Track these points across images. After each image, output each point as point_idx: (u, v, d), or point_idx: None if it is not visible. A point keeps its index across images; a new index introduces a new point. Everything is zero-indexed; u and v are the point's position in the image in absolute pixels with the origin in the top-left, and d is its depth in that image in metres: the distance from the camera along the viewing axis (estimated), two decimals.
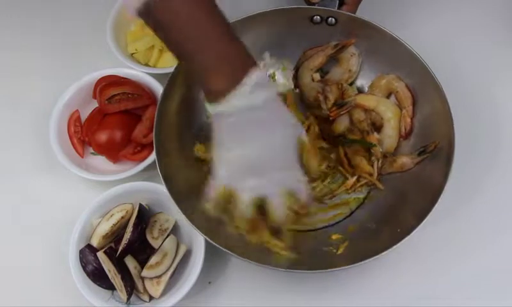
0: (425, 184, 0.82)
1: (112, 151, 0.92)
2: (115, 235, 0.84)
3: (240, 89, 0.66)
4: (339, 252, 0.82)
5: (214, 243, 0.75)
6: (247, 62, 0.67)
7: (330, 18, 0.90)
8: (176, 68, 0.85)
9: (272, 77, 0.95)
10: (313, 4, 0.91)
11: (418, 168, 0.85)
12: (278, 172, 0.73)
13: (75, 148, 0.94)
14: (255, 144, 0.71)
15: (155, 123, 0.82)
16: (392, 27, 0.87)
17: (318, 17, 0.91)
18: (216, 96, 0.67)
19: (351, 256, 0.78)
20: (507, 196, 0.90)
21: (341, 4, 0.91)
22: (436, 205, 0.75)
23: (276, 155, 0.73)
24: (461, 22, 1.07)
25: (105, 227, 0.82)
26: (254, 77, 0.66)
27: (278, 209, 0.76)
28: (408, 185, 0.85)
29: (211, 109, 0.69)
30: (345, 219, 0.87)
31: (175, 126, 0.86)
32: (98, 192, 0.86)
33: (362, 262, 0.73)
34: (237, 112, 0.67)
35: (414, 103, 0.88)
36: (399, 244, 0.74)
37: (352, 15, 0.89)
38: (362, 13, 0.91)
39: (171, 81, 0.85)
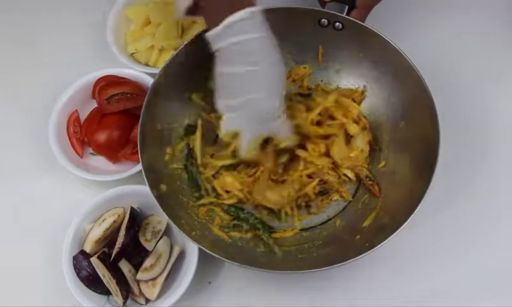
0: (411, 186, 0.81)
1: (112, 151, 0.92)
2: (108, 239, 0.84)
3: (216, 29, 0.73)
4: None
5: (202, 247, 0.75)
6: (234, 5, 0.73)
7: (337, 23, 0.89)
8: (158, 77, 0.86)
9: None
10: (325, 3, 0.90)
11: (403, 169, 0.85)
12: (256, 106, 0.79)
13: (74, 148, 0.94)
14: (237, 77, 0.77)
15: (138, 140, 0.82)
16: (391, 34, 0.86)
17: (325, 21, 0.89)
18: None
19: (345, 254, 0.77)
20: (498, 194, 0.90)
21: (351, 8, 0.89)
22: (425, 205, 0.75)
23: (257, 88, 0.77)
24: (457, 27, 1.06)
25: (97, 232, 0.82)
26: (233, 18, 0.72)
27: (245, 144, 0.83)
28: (395, 184, 0.85)
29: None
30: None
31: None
32: (98, 193, 0.86)
33: (355, 258, 0.73)
34: (223, 47, 0.75)
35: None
36: (395, 239, 0.74)
37: (359, 22, 0.87)
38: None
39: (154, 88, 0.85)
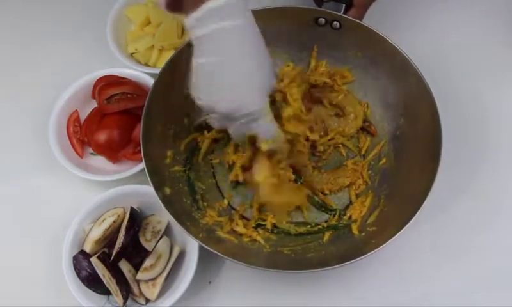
0: (413, 184, 0.82)
1: (112, 151, 0.92)
2: (108, 239, 0.84)
3: (196, 13, 0.66)
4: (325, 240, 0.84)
5: (209, 248, 0.75)
6: None
7: (335, 22, 0.89)
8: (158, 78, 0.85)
9: None
10: (322, 2, 0.90)
11: (405, 166, 0.86)
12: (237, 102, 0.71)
13: (74, 148, 0.94)
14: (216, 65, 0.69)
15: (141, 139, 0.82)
16: (389, 32, 0.86)
17: (323, 19, 0.90)
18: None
19: (344, 254, 0.78)
20: (499, 193, 0.90)
21: (349, 6, 0.89)
22: (425, 204, 0.75)
23: (236, 83, 0.70)
24: (456, 26, 1.06)
25: (97, 232, 0.82)
26: (214, 3, 0.65)
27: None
28: (396, 185, 0.86)
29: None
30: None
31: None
32: (99, 193, 0.86)
33: (356, 259, 0.73)
34: (204, 34, 0.67)
35: None
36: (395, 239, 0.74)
37: (356, 21, 0.88)
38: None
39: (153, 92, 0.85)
